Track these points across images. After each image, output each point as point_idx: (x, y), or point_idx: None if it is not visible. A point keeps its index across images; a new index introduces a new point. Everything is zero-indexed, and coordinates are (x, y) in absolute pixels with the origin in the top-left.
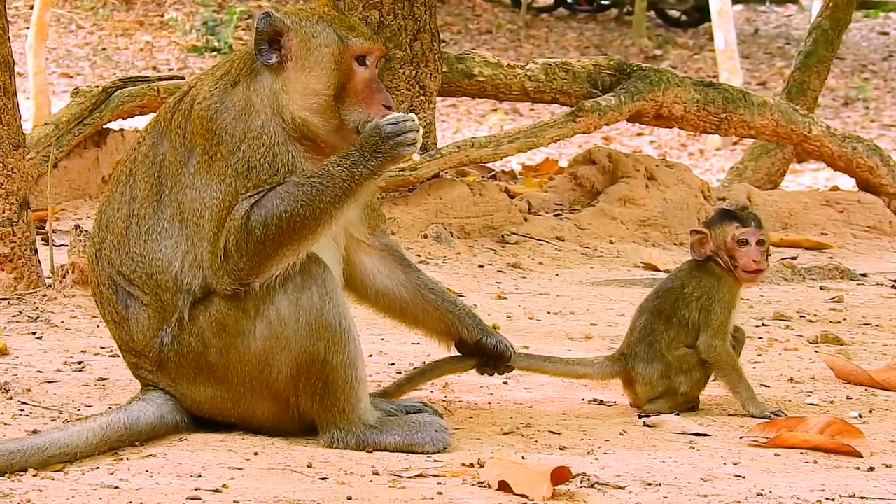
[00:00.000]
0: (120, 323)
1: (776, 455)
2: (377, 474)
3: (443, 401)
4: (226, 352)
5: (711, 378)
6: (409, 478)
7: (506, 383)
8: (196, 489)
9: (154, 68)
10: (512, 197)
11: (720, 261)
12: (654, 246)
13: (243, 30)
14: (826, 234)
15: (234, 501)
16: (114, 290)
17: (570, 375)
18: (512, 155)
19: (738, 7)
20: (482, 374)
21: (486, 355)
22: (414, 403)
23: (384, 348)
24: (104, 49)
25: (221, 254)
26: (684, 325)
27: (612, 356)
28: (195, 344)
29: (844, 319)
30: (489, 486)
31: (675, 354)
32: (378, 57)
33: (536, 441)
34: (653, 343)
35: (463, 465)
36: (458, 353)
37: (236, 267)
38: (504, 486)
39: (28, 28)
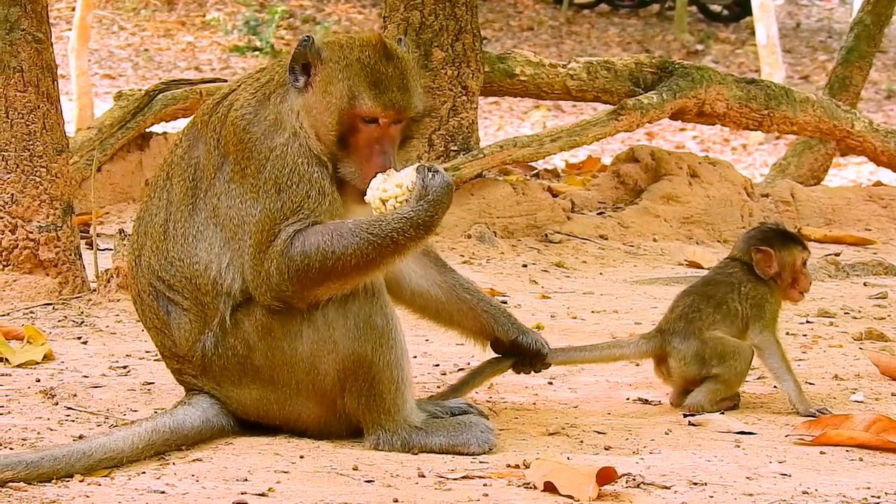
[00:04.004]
0: (162, 329)
1: (821, 453)
2: (423, 476)
3: (487, 401)
4: (272, 354)
5: (755, 376)
6: (455, 479)
7: (550, 383)
8: (242, 493)
9: (196, 69)
10: (555, 196)
11: (779, 279)
12: (697, 244)
13: (285, 29)
14: (869, 230)
15: None
16: (154, 296)
17: (608, 359)
18: (554, 154)
19: (780, 1)
20: (519, 373)
21: (523, 354)
22: (459, 404)
23: (429, 349)
24: (146, 50)
25: (265, 275)
26: (731, 314)
27: (648, 334)
28: (240, 347)
29: (889, 316)
30: (535, 488)
31: (711, 334)
32: (390, 121)
33: (582, 441)
34: (693, 321)
35: (508, 466)
36: (494, 354)
37: (279, 289)
38: (550, 487)
39: (70, 30)
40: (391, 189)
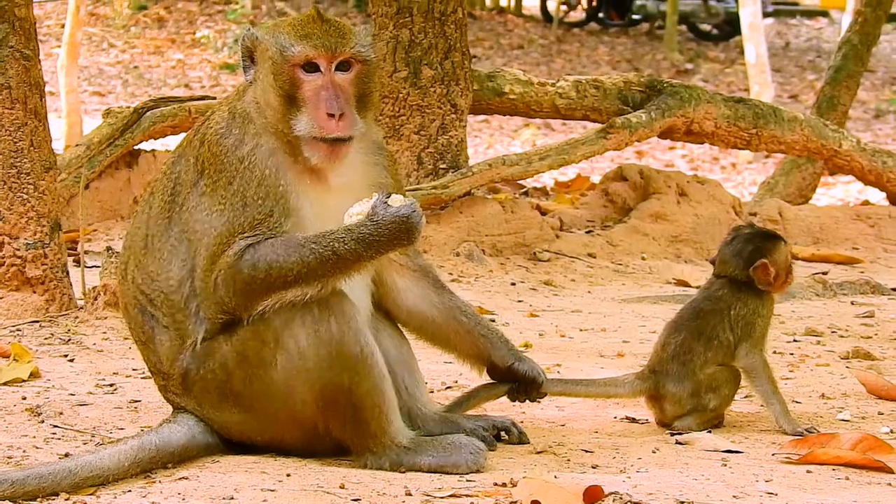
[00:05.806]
0: (147, 343)
1: (808, 472)
2: (410, 495)
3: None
4: (249, 382)
5: (742, 395)
6: (442, 498)
7: (538, 401)
8: None
9: (186, 86)
10: (544, 214)
11: (776, 280)
12: (685, 262)
13: None
14: (857, 249)
15: None
16: (139, 309)
17: (603, 396)
18: (543, 172)
19: (769, 20)
20: (514, 400)
21: (519, 381)
22: (503, 420)
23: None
24: (136, 67)
25: (212, 285)
26: (724, 346)
27: (642, 374)
28: (219, 372)
29: (876, 335)
30: None
31: (707, 373)
32: (328, 63)
33: (569, 460)
34: (687, 363)
35: (495, 484)
36: (489, 379)
37: (222, 301)
38: None
39: (60, 47)
40: (358, 208)
